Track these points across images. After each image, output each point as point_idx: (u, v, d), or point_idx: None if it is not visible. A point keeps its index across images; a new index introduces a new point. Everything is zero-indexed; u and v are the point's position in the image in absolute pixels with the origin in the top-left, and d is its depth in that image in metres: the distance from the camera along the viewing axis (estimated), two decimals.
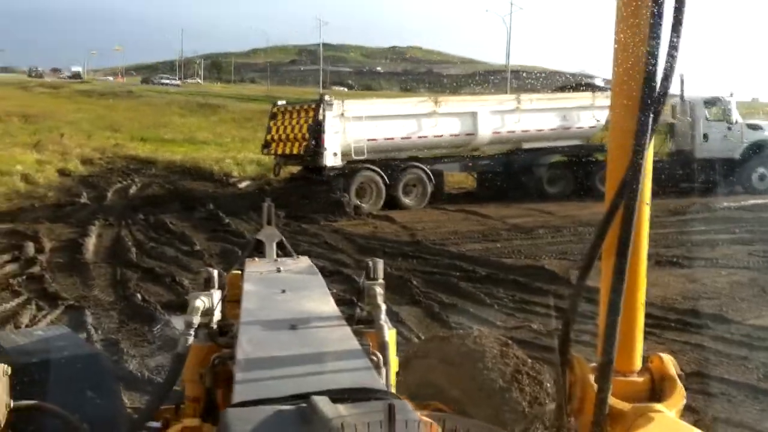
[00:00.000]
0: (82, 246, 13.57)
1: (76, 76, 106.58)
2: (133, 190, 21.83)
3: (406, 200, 20.30)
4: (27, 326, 8.51)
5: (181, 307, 9.66)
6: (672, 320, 8.97)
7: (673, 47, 1.74)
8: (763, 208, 19.04)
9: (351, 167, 19.59)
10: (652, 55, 1.77)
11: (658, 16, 1.75)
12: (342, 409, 1.39)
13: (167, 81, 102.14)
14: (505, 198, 21.11)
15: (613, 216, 1.85)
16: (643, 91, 1.79)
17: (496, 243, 14.81)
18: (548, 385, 4.02)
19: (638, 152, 1.78)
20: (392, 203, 19.90)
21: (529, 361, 3.57)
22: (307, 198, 18.82)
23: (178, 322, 9.02)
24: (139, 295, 10.24)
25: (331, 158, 19.28)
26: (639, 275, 2.00)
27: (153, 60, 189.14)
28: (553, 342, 8.19)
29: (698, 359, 7.65)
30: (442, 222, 17.85)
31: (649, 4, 1.76)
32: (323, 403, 1.40)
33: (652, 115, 1.80)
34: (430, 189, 20.61)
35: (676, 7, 1.72)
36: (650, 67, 1.78)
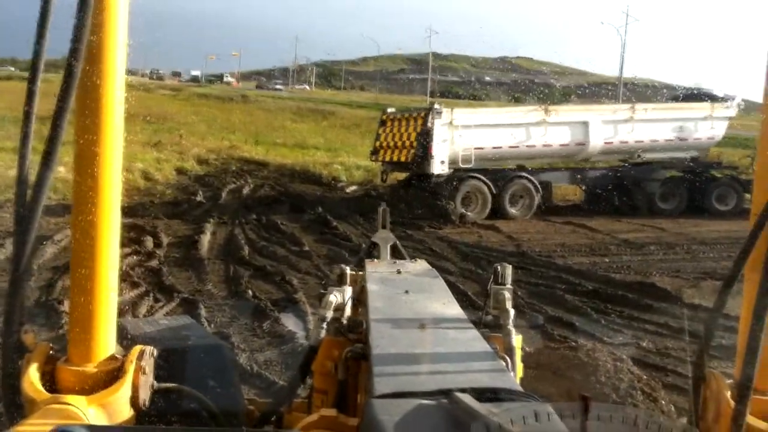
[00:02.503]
0: (197, 242, 14.08)
1: (195, 79, 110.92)
2: (245, 190, 22.45)
3: (512, 210, 20.08)
4: (145, 316, 8.90)
5: (291, 303, 9.96)
6: None
7: None
8: None
9: (458, 175, 19.54)
10: None
11: None
12: (489, 407, 1.41)
13: (280, 87, 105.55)
14: (615, 212, 20.59)
15: (761, 230, 1.80)
16: None
17: (605, 257, 14.47)
18: (663, 402, 3.95)
19: None
20: (498, 213, 19.74)
21: (644, 377, 3.52)
22: (413, 205, 18.87)
23: (286, 319, 9.27)
24: (250, 292, 10.56)
25: (439, 166, 19.30)
26: None
27: (267, 66, 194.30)
28: (661, 360, 7.97)
29: None
30: (548, 234, 17.59)
31: None
32: (468, 400, 1.42)
33: None
34: (537, 200, 20.32)
35: None
36: None
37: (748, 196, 21.35)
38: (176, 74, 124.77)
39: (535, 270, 12.72)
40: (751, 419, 1.82)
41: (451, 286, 10.64)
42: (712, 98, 23.89)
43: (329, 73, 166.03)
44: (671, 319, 9.60)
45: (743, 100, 23.15)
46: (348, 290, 2.84)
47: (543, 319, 9.58)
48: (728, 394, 1.90)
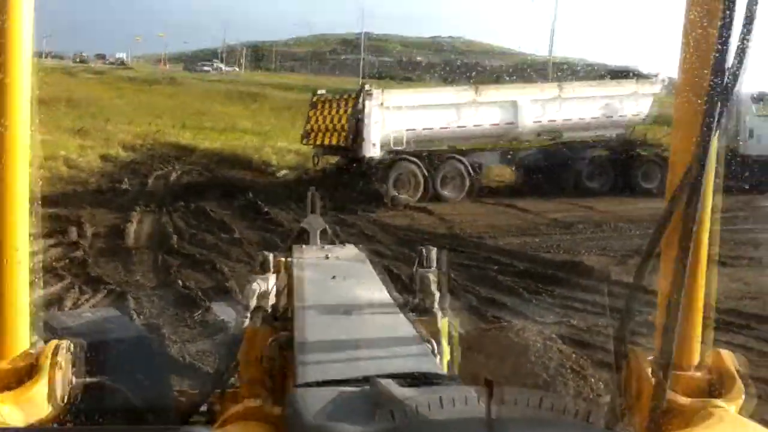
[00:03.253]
0: (124, 232, 13.79)
1: (121, 62, 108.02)
2: (173, 177, 22.08)
3: (445, 192, 20.21)
4: (70, 309, 8.68)
5: (221, 293, 9.83)
6: (713, 319, 8.83)
7: (745, 36, 1.70)
8: None
9: (390, 158, 19.57)
10: (722, 44, 1.73)
11: (731, 1, 1.71)
12: (409, 392, 1.40)
13: (208, 68, 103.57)
14: (544, 192, 20.92)
15: (675, 208, 1.82)
16: (711, 83, 1.75)
17: (535, 237, 14.72)
18: (592, 380, 4.04)
19: (703, 145, 1.74)
20: (430, 195, 19.85)
21: (573, 355, 3.59)
22: (346, 188, 18.82)
23: (217, 308, 9.15)
24: (179, 281, 10.38)
25: (371, 149, 19.28)
26: (699, 269, 1.97)
27: (195, 48, 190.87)
28: (591, 338, 8.15)
29: (741, 360, 7.52)
30: (480, 215, 17.79)
31: None
32: (390, 385, 1.41)
33: (719, 109, 1.76)
34: (468, 181, 20.49)
35: None
36: (719, 58, 1.75)
37: None
38: (101, 57, 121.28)
39: (467, 251, 12.84)
40: (671, 395, 1.84)
41: (384, 270, 10.68)
42: (638, 75, 24.43)
43: (260, 55, 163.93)
44: (599, 297, 9.82)
45: (666, 78, 23.76)
46: (272, 278, 2.79)
47: (476, 300, 9.70)
48: (649, 370, 1.93)
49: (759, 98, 22.79)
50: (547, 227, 16.00)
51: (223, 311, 9.05)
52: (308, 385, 1.55)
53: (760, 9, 1.69)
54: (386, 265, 11.07)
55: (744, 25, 1.71)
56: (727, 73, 1.74)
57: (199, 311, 8.96)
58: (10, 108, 1.69)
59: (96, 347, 3.04)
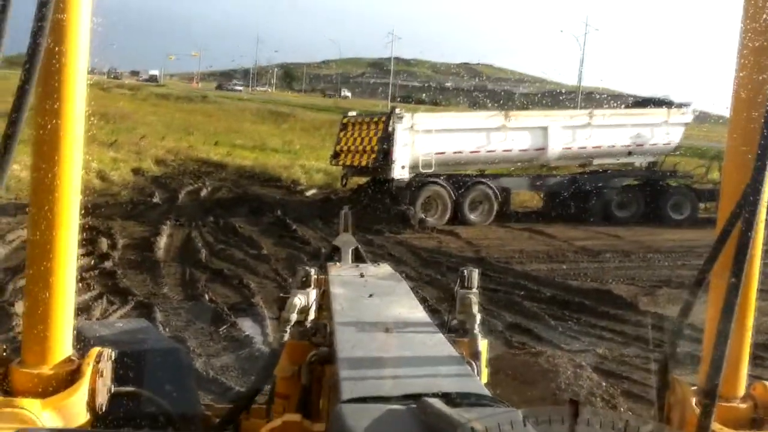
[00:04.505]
0: (153, 245, 13.89)
1: (153, 79, 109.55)
2: (203, 192, 22.24)
3: (472, 216, 20.16)
4: (98, 320, 8.74)
5: (248, 308, 9.86)
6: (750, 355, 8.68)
7: None
8: None
9: (418, 180, 19.57)
10: None
11: None
12: (458, 411, 1.39)
13: (239, 88, 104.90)
14: (572, 219, 20.80)
15: (727, 236, 1.81)
16: (767, 111, 1.74)
17: (562, 264, 14.62)
18: (622, 409, 3.98)
19: (758, 175, 1.73)
20: (458, 218, 19.81)
21: (603, 384, 3.54)
22: (373, 209, 18.83)
23: (243, 323, 9.17)
24: (207, 296, 10.43)
25: (399, 171, 19.30)
26: (749, 299, 1.95)
27: (228, 67, 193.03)
28: (618, 368, 8.05)
29: None
30: (507, 240, 17.71)
31: None
32: (438, 404, 1.40)
33: None
34: (496, 206, 20.41)
35: None
36: None
37: (702, 205, 21.77)
38: (134, 73, 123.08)
39: (494, 276, 12.78)
40: (716, 426, 1.82)
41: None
42: (669, 104, 24.28)
43: (290, 76, 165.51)
44: (627, 327, 9.72)
45: (699, 111, 23.62)
46: (312, 293, 2.80)
47: (501, 325, 9.63)
48: (693, 400, 1.91)
49: None
50: (574, 254, 15.88)
51: (248, 326, 9.08)
52: (353, 401, 1.54)
53: None
54: (412, 287, 11.06)
55: None
56: None
57: (225, 326, 8.98)
58: (65, 117, 1.72)
59: (129, 357, 3.07)
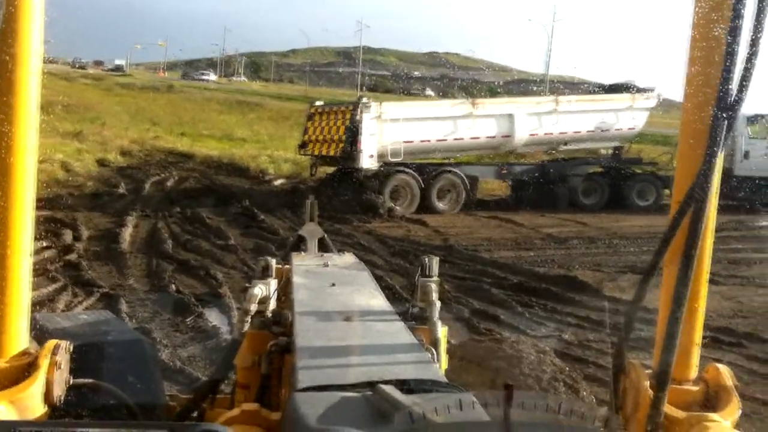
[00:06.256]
0: (119, 236, 13.75)
1: (119, 68, 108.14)
2: (170, 182, 22.04)
3: (440, 204, 20.24)
4: (63, 311, 8.64)
5: (215, 298, 9.82)
6: (706, 337, 8.85)
7: (753, 51, 1.71)
8: None
9: (386, 170, 19.59)
10: (729, 59, 1.74)
11: (738, 16, 1.72)
12: (414, 398, 1.40)
13: (210, 77, 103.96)
14: (539, 206, 20.95)
15: (679, 223, 1.84)
16: (718, 97, 1.77)
17: (530, 251, 14.74)
18: (584, 393, 4.04)
19: (709, 161, 1.76)
20: (426, 207, 19.87)
21: (566, 369, 3.59)
22: (342, 198, 18.81)
23: (210, 314, 9.13)
24: (173, 286, 10.36)
25: (367, 160, 19.29)
26: (701, 284, 1.99)
27: (195, 57, 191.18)
28: (582, 353, 8.16)
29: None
30: (475, 228, 17.81)
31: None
32: (392, 391, 1.42)
33: (725, 123, 1.77)
34: (464, 194, 20.52)
35: (759, 7, 1.69)
36: (726, 71, 1.76)
37: (667, 191, 22.06)
38: (98, 63, 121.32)
39: (462, 264, 12.86)
40: (668, 408, 1.85)
41: (379, 280, 10.65)
42: (632, 89, 24.53)
43: (257, 65, 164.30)
44: (592, 312, 9.84)
45: (664, 98, 23.91)
46: (273, 283, 2.80)
47: (468, 312, 9.71)
48: (647, 383, 1.94)
49: (753, 120, 22.93)
50: (541, 241, 16.02)
51: (215, 316, 9.04)
52: (309, 389, 1.55)
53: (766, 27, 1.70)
54: (380, 276, 11.10)
55: (751, 39, 1.73)
56: (732, 89, 1.75)
57: (192, 316, 8.93)
58: (18, 111, 1.70)
59: (91, 348, 3.05)
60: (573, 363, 7.14)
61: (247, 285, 2.88)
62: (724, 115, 1.75)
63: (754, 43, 1.71)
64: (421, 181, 19.81)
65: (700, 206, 1.77)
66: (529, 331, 8.92)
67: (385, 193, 19.20)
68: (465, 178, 20.57)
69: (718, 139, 1.75)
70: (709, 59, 1.84)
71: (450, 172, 20.57)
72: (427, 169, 20.29)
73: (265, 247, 13.17)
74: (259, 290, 2.61)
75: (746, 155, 22.38)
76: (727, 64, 1.75)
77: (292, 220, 16.47)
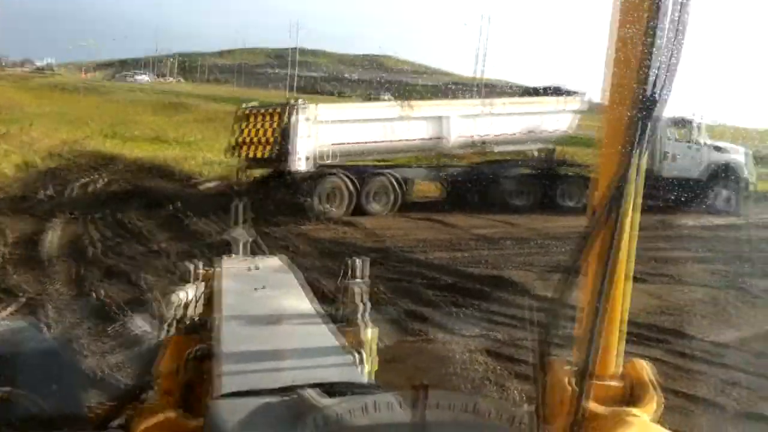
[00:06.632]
0: (44, 240, 13.35)
1: (48, 67, 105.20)
2: (97, 185, 21.49)
3: (374, 207, 20.18)
4: None
5: (142, 304, 9.61)
6: (632, 334, 9.06)
7: (672, 55, 1.73)
8: (723, 228, 19.36)
9: (318, 172, 19.43)
10: (648, 61, 1.75)
11: (657, 17, 1.73)
12: (332, 401, 1.39)
13: (146, 78, 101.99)
14: (472, 208, 21.15)
15: (597, 224, 1.85)
16: (636, 98, 1.78)
17: (463, 252, 14.86)
18: (513, 390, 4.09)
19: (626, 162, 1.77)
20: (360, 209, 19.83)
21: (497, 367, 3.61)
22: (273, 202, 18.59)
23: (136, 320, 8.93)
24: (99, 292, 10.10)
25: (299, 162, 19.10)
26: (619, 283, 2.01)
27: (126, 56, 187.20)
28: (515, 352, 8.25)
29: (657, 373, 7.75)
30: (408, 230, 17.85)
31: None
32: (313, 395, 1.39)
33: (642, 127, 1.78)
34: (398, 196, 20.53)
35: (678, 7, 1.71)
36: (644, 76, 1.77)
37: None
38: (24, 62, 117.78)
39: (397, 266, 12.88)
40: (591, 404, 1.87)
41: (311, 283, 10.60)
42: (560, 92, 25.03)
43: (189, 66, 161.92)
44: (521, 311, 9.97)
45: (595, 102, 24.48)
46: (193, 288, 2.74)
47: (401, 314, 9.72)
48: (568, 380, 1.96)
49: (676, 122, 23.63)
50: (474, 243, 16.17)
51: (140, 324, 8.84)
52: (228, 395, 1.52)
53: (686, 29, 1.72)
54: (310, 279, 11.02)
55: (671, 44, 1.74)
56: (651, 92, 1.76)
57: (117, 324, 8.72)
58: None
59: (7, 359, 2.94)
60: (503, 362, 7.23)
61: (171, 290, 2.81)
62: (643, 116, 1.76)
63: (673, 44, 1.73)
64: (354, 184, 19.74)
65: (617, 207, 1.78)
66: (461, 332, 8.99)
67: (317, 196, 19.06)
68: (399, 179, 20.60)
69: (635, 139, 1.76)
70: (627, 61, 1.86)
71: (384, 174, 20.54)
72: (360, 171, 20.23)
73: (194, 252, 12.93)
74: (177, 297, 2.55)
75: (671, 157, 23.04)
76: (645, 65, 1.76)
77: (221, 224, 16.22)
